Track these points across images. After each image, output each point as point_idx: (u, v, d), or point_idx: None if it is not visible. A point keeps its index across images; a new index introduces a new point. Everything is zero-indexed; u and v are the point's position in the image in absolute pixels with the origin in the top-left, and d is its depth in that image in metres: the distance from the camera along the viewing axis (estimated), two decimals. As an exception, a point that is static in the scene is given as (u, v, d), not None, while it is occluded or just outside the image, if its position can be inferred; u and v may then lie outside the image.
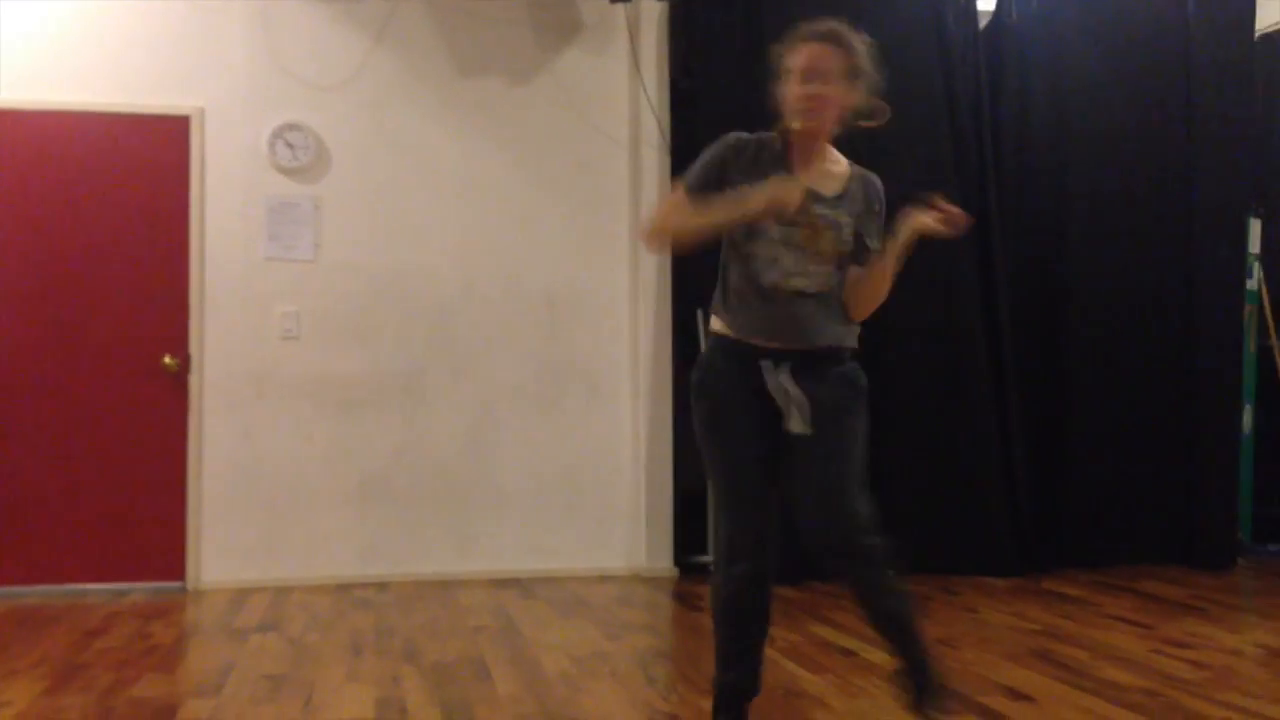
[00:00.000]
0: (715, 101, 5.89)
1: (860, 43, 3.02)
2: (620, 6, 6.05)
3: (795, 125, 2.98)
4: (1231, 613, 5.19)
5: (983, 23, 6.34)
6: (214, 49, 5.86)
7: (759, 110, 6.05)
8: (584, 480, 6.17)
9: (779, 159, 3.01)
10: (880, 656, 4.28)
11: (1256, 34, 6.49)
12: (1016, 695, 3.77)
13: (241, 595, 5.58)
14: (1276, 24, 6.82)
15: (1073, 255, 6.34)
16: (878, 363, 6.13)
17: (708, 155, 3.04)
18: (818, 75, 2.94)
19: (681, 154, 5.88)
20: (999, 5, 6.40)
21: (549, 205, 6.18)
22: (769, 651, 4.29)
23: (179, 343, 5.77)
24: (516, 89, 6.18)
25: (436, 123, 6.09)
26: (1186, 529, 6.31)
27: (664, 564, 6.11)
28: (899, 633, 3.09)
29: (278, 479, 5.86)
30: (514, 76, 6.18)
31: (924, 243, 6.33)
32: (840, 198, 3.04)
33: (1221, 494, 6.30)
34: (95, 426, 5.69)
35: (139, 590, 5.66)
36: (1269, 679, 4.01)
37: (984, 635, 4.69)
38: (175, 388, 5.78)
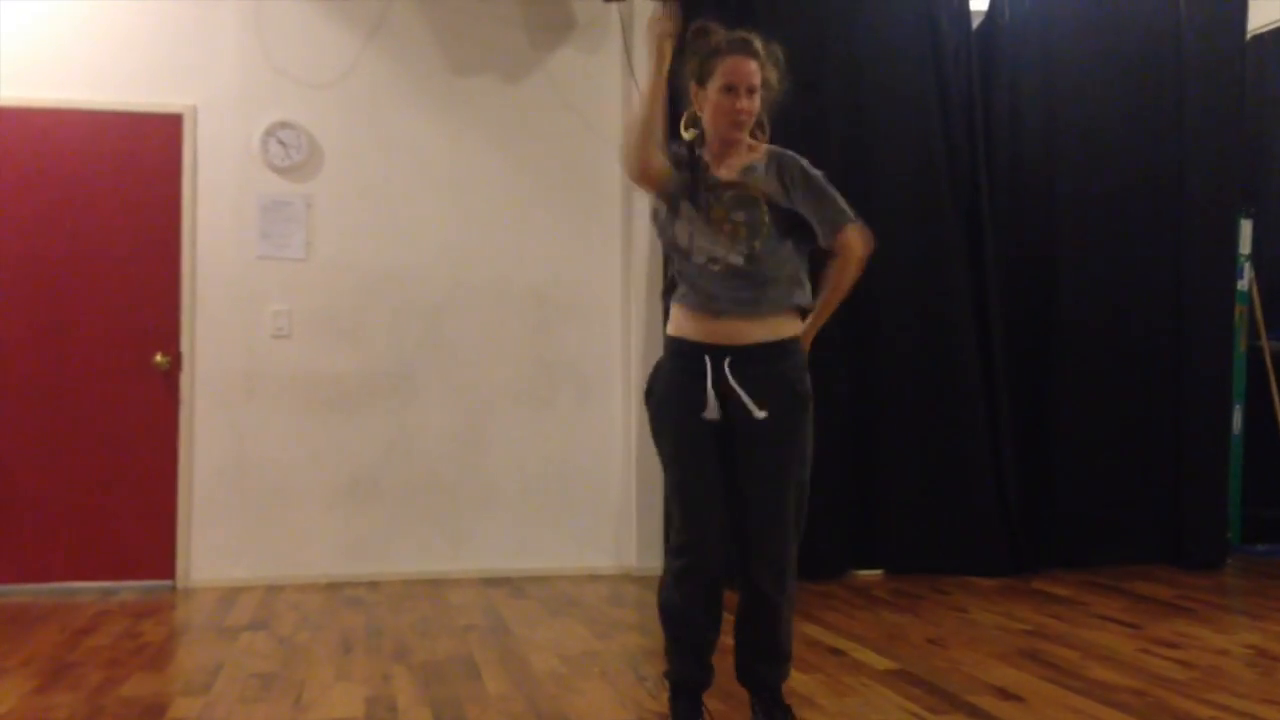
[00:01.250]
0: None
1: (775, 55, 3.16)
2: (613, 5, 6.05)
3: (729, 136, 3.12)
4: (1220, 613, 5.20)
5: (975, 23, 6.35)
6: (206, 47, 5.85)
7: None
8: (575, 479, 6.17)
9: (694, 152, 3.17)
10: (869, 655, 4.30)
11: (1248, 35, 6.50)
12: (1005, 695, 3.78)
13: (231, 594, 5.57)
14: (1267, 25, 6.84)
15: (1063, 254, 6.35)
16: (867, 361, 6.18)
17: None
18: (748, 89, 3.08)
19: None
20: (991, 5, 6.40)
21: (541, 204, 6.18)
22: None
23: (170, 341, 5.77)
24: (509, 88, 6.18)
25: (429, 121, 6.09)
26: (1175, 529, 6.32)
27: (654, 563, 6.09)
28: (762, 687, 3.31)
29: (268, 477, 5.86)
30: (507, 76, 6.18)
31: (916, 242, 6.34)
32: (746, 173, 3.14)
33: (1210, 494, 6.31)
34: (85, 424, 5.67)
35: (129, 589, 5.65)
36: (1256, 679, 4.02)
37: (973, 635, 4.70)
38: (166, 386, 5.77)
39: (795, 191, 3.13)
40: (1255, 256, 6.75)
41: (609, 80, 6.25)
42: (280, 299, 5.90)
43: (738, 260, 3.08)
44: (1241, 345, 6.68)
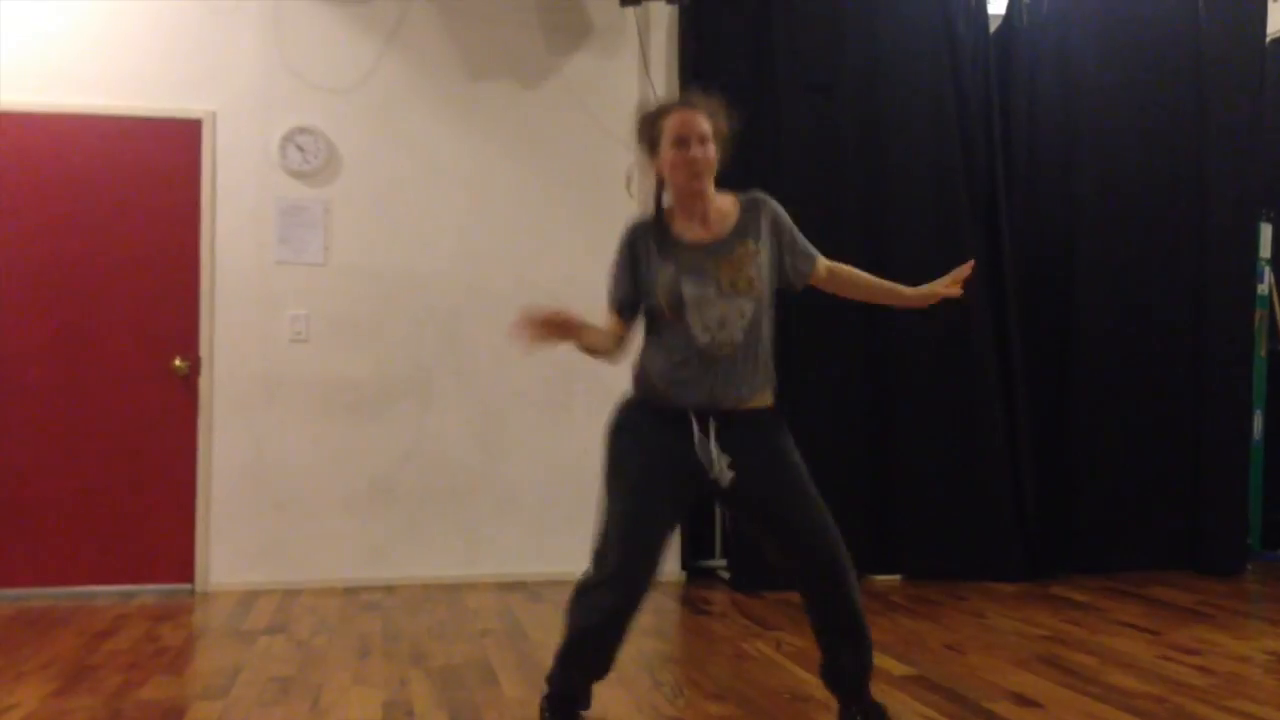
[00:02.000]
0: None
1: (718, 105, 3.18)
2: (630, 9, 6.06)
3: (692, 187, 3.10)
4: (1240, 619, 5.18)
5: (993, 27, 6.34)
6: (225, 52, 5.88)
7: (769, 112, 6.06)
8: (591, 483, 6.07)
9: (664, 230, 3.16)
10: (887, 661, 4.29)
11: (1267, 38, 6.47)
12: (1024, 701, 3.77)
13: (250, 597, 5.59)
14: (1287, 29, 6.81)
15: (1082, 260, 6.33)
16: (884, 367, 6.17)
17: (614, 263, 3.26)
18: (697, 138, 3.08)
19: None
20: (1009, 9, 6.39)
21: (558, 208, 6.19)
22: (776, 656, 4.30)
23: (189, 345, 5.79)
24: (526, 92, 6.19)
25: (446, 126, 6.11)
26: (1195, 535, 6.29)
27: (670, 568, 6.11)
28: (854, 662, 3.27)
29: (286, 481, 5.88)
30: (524, 80, 6.19)
31: (933, 246, 6.32)
32: (737, 232, 3.15)
33: (1230, 500, 6.28)
34: (105, 429, 5.70)
35: (148, 592, 5.68)
36: (1277, 686, 4.00)
37: (991, 640, 4.69)
38: (185, 390, 5.80)
39: (781, 227, 3.21)
40: (1275, 261, 6.71)
41: (625, 84, 6.25)
42: (298, 303, 5.92)
43: (739, 335, 3.08)
44: (1262, 350, 6.65)
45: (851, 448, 5.94)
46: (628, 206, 6.19)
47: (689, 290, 3.07)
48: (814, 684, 3.93)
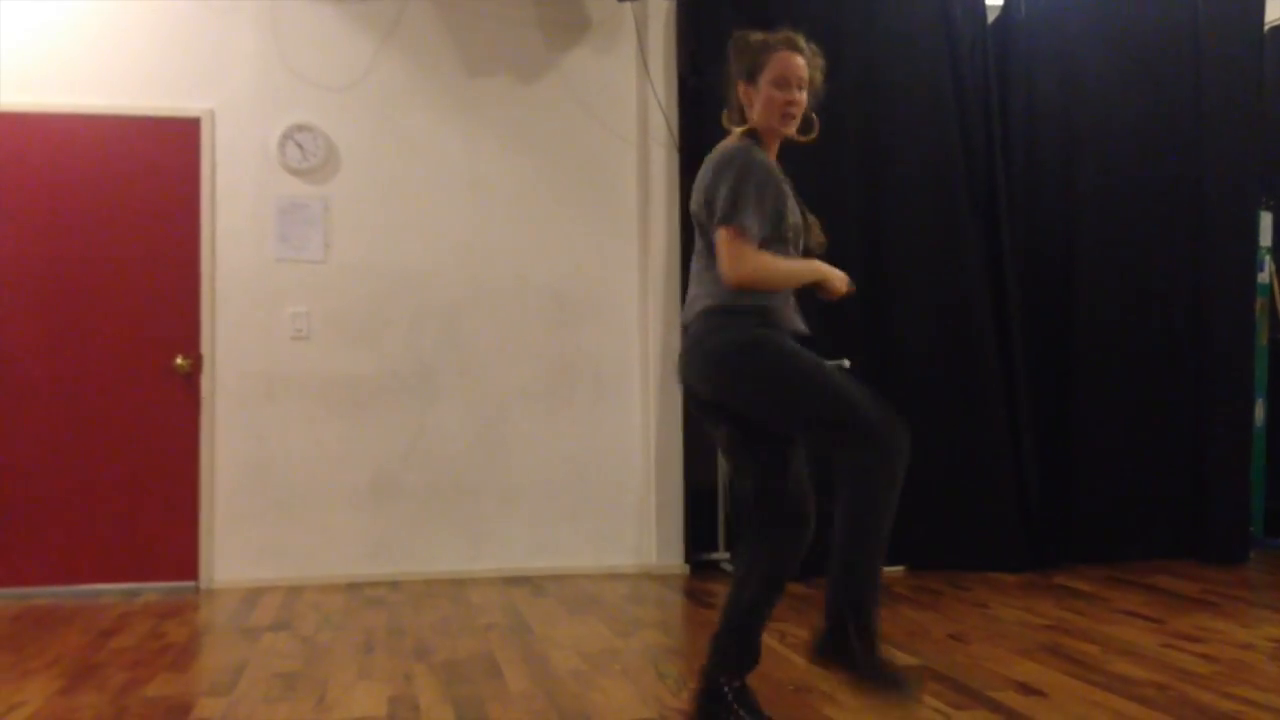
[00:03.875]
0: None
1: (819, 60, 3.24)
2: (628, 5, 6.06)
3: (781, 129, 3.17)
4: (1243, 607, 5.18)
5: (991, 18, 6.33)
6: (224, 51, 5.88)
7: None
8: (594, 478, 6.18)
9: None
10: (891, 652, 4.28)
11: (1265, 27, 6.46)
12: (1028, 690, 3.77)
13: (254, 594, 5.60)
14: (1285, 17, 6.81)
15: (1082, 250, 6.33)
16: (885, 357, 6.17)
17: (756, 190, 3.04)
18: (797, 83, 3.14)
19: (689, 152, 5.90)
20: (1007, 1, 6.39)
21: (558, 204, 6.19)
22: (779, 647, 4.30)
23: (190, 343, 5.80)
24: (525, 88, 6.20)
25: (445, 123, 6.11)
26: (1197, 523, 6.29)
27: (674, 561, 6.12)
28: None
29: (289, 478, 5.89)
30: (522, 76, 6.19)
31: (933, 238, 6.31)
32: None
33: (1232, 488, 6.28)
34: (108, 427, 5.71)
35: (152, 590, 5.69)
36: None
37: (995, 630, 4.69)
38: (187, 388, 5.80)
39: None
40: (1276, 249, 6.71)
41: (624, 79, 6.26)
42: (299, 301, 5.92)
43: None
44: (1263, 338, 6.65)
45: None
46: (627, 198, 6.21)
47: (799, 222, 3.19)
48: (818, 675, 3.94)
